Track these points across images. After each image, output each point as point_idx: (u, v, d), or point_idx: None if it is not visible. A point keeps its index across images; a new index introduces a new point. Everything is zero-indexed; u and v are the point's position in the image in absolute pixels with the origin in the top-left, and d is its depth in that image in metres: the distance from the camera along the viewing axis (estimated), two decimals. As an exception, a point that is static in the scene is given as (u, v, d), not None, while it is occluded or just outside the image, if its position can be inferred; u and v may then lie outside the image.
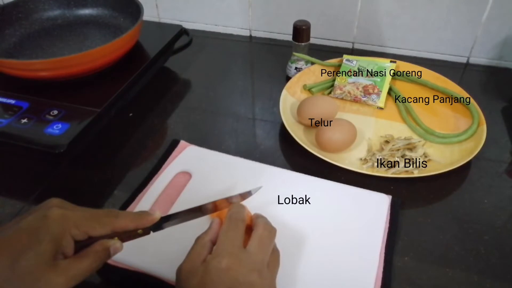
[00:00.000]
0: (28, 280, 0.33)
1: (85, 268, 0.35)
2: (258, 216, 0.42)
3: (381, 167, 0.57)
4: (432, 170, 0.55)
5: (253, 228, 0.40)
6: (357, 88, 0.69)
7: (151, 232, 0.40)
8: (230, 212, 0.41)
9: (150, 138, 0.65)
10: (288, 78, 0.74)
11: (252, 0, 0.85)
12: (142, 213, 0.39)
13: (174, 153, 0.59)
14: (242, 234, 0.39)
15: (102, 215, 0.38)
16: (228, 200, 0.44)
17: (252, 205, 0.46)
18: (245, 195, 0.45)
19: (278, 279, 0.39)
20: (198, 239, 0.40)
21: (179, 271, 0.37)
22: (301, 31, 0.70)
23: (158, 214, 0.40)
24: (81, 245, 0.36)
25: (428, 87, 0.71)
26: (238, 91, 0.74)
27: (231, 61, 0.84)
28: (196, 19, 0.92)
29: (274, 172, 0.56)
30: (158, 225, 0.40)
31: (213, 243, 0.39)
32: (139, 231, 0.39)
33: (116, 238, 0.38)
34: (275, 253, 0.41)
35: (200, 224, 0.48)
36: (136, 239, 0.39)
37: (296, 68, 0.74)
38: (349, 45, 0.85)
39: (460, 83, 0.69)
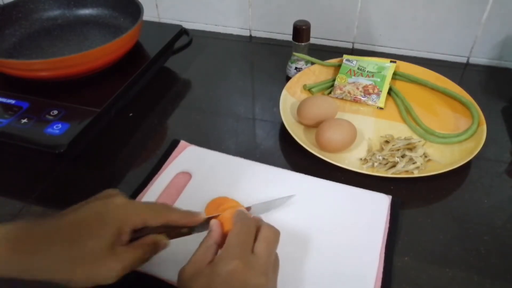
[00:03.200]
0: (91, 261, 0.35)
1: (139, 258, 0.37)
2: (259, 219, 0.42)
3: (381, 167, 0.57)
4: (432, 170, 0.55)
5: (257, 230, 0.40)
6: (357, 88, 0.69)
7: (192, 233, 0.41)
8: (238, 215, 0.41)
9: (150, 138, 0.65)
10: (288, 78, 0.74)
11: (252, 0, 0.85)
12: (192, 212, 0.41)
13: (174, 153, 0.59)
14: (252, 238, 0.39)
15: (159, 207, 0.40)
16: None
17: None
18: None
19: (278, 279, 0.39)
20: (202, 242, 0.40)
21: (183, 273, 0.37)
22: (301, 31, 0.70)
23: (203, 215, 0.42)
24: (134, 237, 0.38)
25: (428, 87, 0.71)
26: (238, 91, 0.74)
27: (231, 61, 0.84)
28: (196, 19, 0.92)
29: (274, 172, 0.56)
30: (199, 228, 0.42)
31: (218, 245, 0.39)
32: (184, 230, 0.41)
33: (164, 234, 0.40)
34: (276, 254, 0.41)
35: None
36: None
37: (296, 68, 0.74)
38: (349, 45, 0.85)
39: (460, 83, 0.69)
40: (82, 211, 0.37)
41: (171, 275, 0.42)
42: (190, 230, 0.41)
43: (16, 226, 0.36)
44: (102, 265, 0.35)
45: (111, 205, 0.38)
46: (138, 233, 0.38)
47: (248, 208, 0.47)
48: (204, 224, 0.42)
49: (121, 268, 0.36)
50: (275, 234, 0.40)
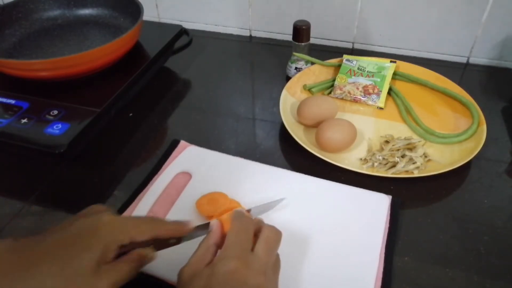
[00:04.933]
0: (76, 283, 0.34)
1: (124, 275, 0.36)
2: (261, 220, 0.42)
3: (381, 167, 0.57)
4: (432, 170, 0.55)
5: (258, 230, 0.40)
6: (357, 88, 0.69)
7: (181, 242, 0.41)
8: (237, 215, 0.41)
9: (150, 138, 0.65)
10: (288, 78, 0.74)
11: (252, 0, 0.85)
12: (181, 222, 0.41)
13: (174, 153, 0.59)
14: (251, 237, 0.39)
15: (147, 222, 0.39)
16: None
17: (251, 205, 0.46)
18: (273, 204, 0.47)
19: (278, 279, 0.39)
20: (202, 242, 0.39)
21: (182, 274, 0.37)
22: (301, 31, 0.70)
23: (192, 224, 0.41)
24: (121, 252, 0.37)
25: (428, 87, 0.71)
26: (238, 91, 0.74)
27: (231, 61, 0.84)
28: (196, 19, 0.92)
29: (274, 172, 0.56)
30: (189, 237, 0.41)
31: (217, 246, 0.39)
32: (172, 240, 0.40)
33: (151, 246, 0.39)
34: (277, 255, 0.40)
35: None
36: None
37: (296, 68, 0.74)
38: (349, 45, 0.85)
39: (460, 83, 0.69)
40: (68, 230, 0.36)
41: (171, 275, 0.42)
42: (178, 240, 0.40)
43: (2, 246, 0.35)
44: (87, 285, 0.34)
45: (98, 223, 0.36)
46: (124, 248, 0.37)
47: (248, 210, 0.47)
48: (198, 231, 0.42)
49: (106, 287, 0.35)
50: (277, 234, 0.40)
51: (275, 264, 0.39)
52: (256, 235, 0.40)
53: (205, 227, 0.42)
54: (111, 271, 0.35)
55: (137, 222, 0.39)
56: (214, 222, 0.41)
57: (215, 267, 0.35)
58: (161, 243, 0.39)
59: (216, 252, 0.39)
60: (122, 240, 0.36)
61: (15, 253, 0.35)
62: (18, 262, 0.34)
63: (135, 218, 0.39)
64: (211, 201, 0.50)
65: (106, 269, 0.35)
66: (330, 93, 0.71)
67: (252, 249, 0.38)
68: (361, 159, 0.59)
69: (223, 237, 0.40)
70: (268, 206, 0.49)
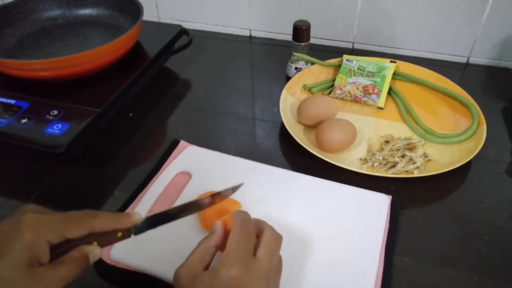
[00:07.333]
0: None
1: (63, 276, 0.34)
2: (261, 222, 0.42)
3: (381, 167, 0.57)
4: (432, 170, 0.55)
5: (259, 232, 0.40)
6: (357, 88, 0.69)
7: (132, 235, 0.38)
8: (239, 218, 0.40)
9: (150, 138, 0.65)
10: (288, 78, 0.74)
11: (252, 0, 0.85)
12: (121, 214, 0.38)
13: (174, 153, 0.59)
14: (253, 242, 0.38)
15: (78, 216, 0.36)
16: (221, 194, 0.43)
17: (252, 205, 0.46)
18: (236, 188, 0.44)
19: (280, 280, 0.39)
20: (201, 243, 0.39)
21: (179, 276, 0.36)
22: (301, 31, 0.70)
23: (138, 216, 0.38)
24: (60, 252, 0.35)
25: (428, 87, 0.71)
26: (238, 91, 0.74)
27: (231, 61, 0.84)
28: (196, 19, 0.92)
29: (274, 172, 0.56)
30: (140, 228, 0.38)
31: (217, 248, 0.39)
32: (119, 234, 0.37)
33: (95, 243, 0.36)
34: (279, 258, 0.40)
35: (199, 223, 0.48)
36: (131, 239, 0.38)
37: (296, 68, 0.74)
38: (349, 45, 0.85)
39: (460, 83, 0.69)
40: None
41: (170, 275, 0.41)
42: (126, 233, 0.37)
43: None
44: None
45: (18, 225, 0.33)
46: (65, 246, 0.35)
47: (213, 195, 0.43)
48: (179, 212, 0.40)
49: None
50: (277, 239, 0.40)
51: (277, 267, 0.39)
52: (258, 236, 0.40)
53: (183, 208, 0.40)
54: (46, 273, 0.33)
55: (67, 217, 0.36)
56: (218, 223, 0.41)
57: (217, 272, 0.35)
58: (107, 238, 0.37)
59: (214, 254, 0.38)
60: (51, 239, 0.34)
61: None
62: None
63: (66, 213, 0.36)
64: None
65: (41, 272, 0.33)
66: (330, 93, 0.71)
67: (254, 253, 0.37)
68: (361, 159, 0.59)
69: (224, 238, 0.39)
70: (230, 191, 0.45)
